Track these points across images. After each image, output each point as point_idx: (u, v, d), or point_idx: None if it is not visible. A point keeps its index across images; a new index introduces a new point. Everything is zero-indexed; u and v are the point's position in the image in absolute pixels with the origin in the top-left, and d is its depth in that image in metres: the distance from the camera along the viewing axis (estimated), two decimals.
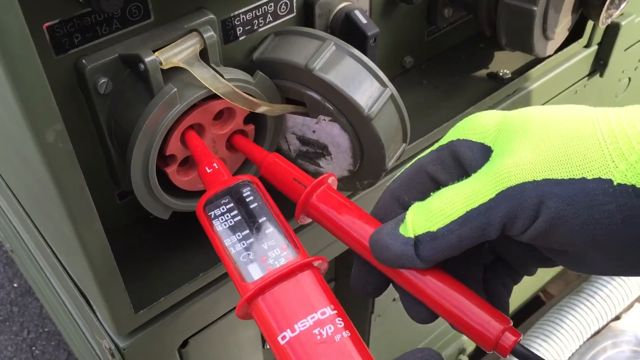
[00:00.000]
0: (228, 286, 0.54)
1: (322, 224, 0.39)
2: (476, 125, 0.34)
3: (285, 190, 0.42)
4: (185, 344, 0.54)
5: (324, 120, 0.48)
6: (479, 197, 0.31)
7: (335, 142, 0.49)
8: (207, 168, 0.42)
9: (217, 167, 0.42)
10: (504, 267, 0.38)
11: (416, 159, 0.37)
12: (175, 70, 0.44)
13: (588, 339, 1.15)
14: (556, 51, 0.68)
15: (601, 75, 0.80)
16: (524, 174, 0.31)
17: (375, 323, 0.80)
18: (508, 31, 0.60)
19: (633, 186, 0.29)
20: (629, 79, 0.88)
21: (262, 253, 0.36)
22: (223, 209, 0.39)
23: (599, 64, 0.79)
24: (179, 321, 0.52)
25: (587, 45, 0.76)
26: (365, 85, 0.46)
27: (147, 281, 0.50)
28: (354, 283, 0.39)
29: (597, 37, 0.76)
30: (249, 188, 0.40)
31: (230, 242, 0.37)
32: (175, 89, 0.42)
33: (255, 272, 0.35)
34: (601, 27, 0.68)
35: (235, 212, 0.38)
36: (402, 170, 0.37)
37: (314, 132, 0.49)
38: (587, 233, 0.30)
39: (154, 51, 0.43)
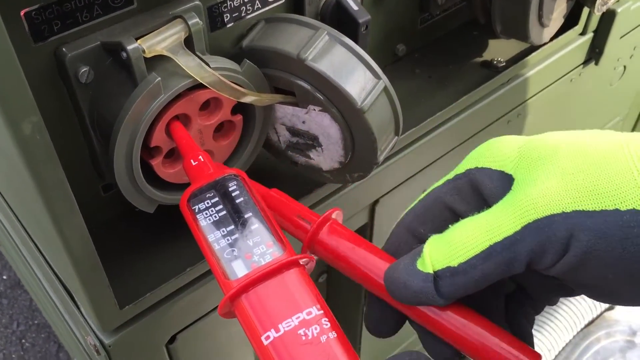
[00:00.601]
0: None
1: (330, 261, 0.37)
2: (494, 152, 0.32)
3: (288, 228, 0.40)
4: (173, 339, 0.53)
5: (314, 110, 0.46)
6: (503, 230, 0.29)
7: (326, 132, 0.47)
8: (192, 161, 0.41)
9: (202, 159, 0.41)
10: (525, 297, 0.35)
11: (431, 188, 0.35)
12: (159, 58, 0.42)
13: (582, 329, 1.14)
14: (551, 39, 0.67)
15: (596, 64, 0.78)
16: (552, 205, 0.29)
17: None
18: (503, 18, 0.59)
19: None
20: (624, 67, 0.87)
21: (247, 249, 0.35)
22: (207, 203, 0.37)
23: (595, 52, 0.77)
24: (166, 316, 0.51)
25: (583, 33, 0.75)
26: (358, 77, 0.44)
27: (133, 276, 0.49)
28: (368, 323, 0.37)
29: (593, 25, 0.75)
30: (235, 182, 0.38)
31: (214, 238, 0.36)
32: (159, 78, 0.41)
33: (239, 269, 0.34)
34: (597, 14, 0.66)
35: (220, 206, 0.37)
36: (415, 201, 0.35)
37: (303, 122, 0.48)
38: (621, 267, 0.28)
39: (137, 39, 0.41)
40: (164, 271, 0.49)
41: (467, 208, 0.33)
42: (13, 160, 0.36)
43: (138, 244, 0.51)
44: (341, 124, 0.46)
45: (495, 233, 0.30)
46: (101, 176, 0.49)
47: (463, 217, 0.33)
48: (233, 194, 0.38)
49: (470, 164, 0.33)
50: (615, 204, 0.28)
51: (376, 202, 0.65)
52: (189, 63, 0.42)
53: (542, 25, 0.60)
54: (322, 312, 0.32)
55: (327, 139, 0.48)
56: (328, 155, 0.50)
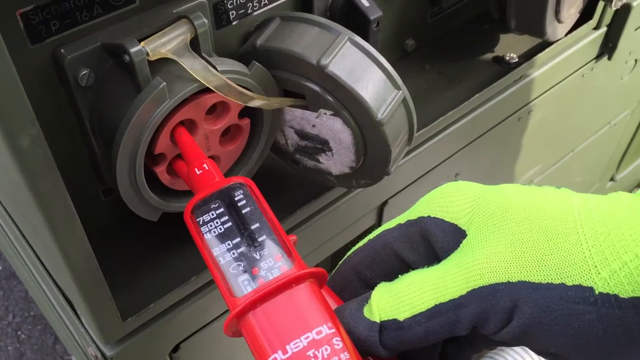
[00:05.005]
0: None
1: None
2: (449, 202, 0.31)
3: None
4: (176, 348, 0.51)
5: (325, 114, 0.44)
6: (449, 292, 0.29)
7: (337, 137, 0.45)
8: (196, 169, 0.39)
9: (207, 168, 0.39)
10: (466, 341, 0.34)
11: (381, 230, 0.34)
12: (164, 61, 0.40)
13: None
14: (565, 34, 0.65)
15: (609, 58, 0.76)
16: (498, 273, 0.28)
17: None
18: (518, 14, 0.57)
19: (616, 296, 0.26)
20: (635, 60, 0.85)
21: (253, 264, 0.33)
22: (212, 214, 0.35)
23: (607, 47, 0.75)
24: (169, 326, 0.49)
25: (597, 27, 0.72)
26: (378, 87, 0.42)
27: (135, 286, 0.47)
28: None
29: (607, 19, 0.72)
30: (241, 191, 0.36)
31: (220, 252, 0.33)
32: (164, 83, 0.38)
33: (245, 285, 0.32)
34: (613, 9, 0.64)
35: (226, 217, 0.35)
36: (364, 241, 0.34)
37: (313, 126, 0.46)
38: (564, 340, 0.27)
39: (140, 40, 0.39)
40: (168, 280, 0.47)
41: (417, 258, 0.32)
42: (11, 172, 0.34)
43: (141, 251, 0.49)
44: (354, 129, 0.44)
45: (441, 293, 0.29)
46: (102, 180, 0.47)
47: (412, 267, 0.32)
48: (239, 204, 0.35)
49: (423, 210, 0.32)
50: (561, 278, 0.27)
51: (385, 203, 0.63)
52: (195, 66, 0.39)
53: (558, 21, 0.58)
54: (333, 330, 0.30)
55: (338, 144, 0.46)
56: (338, 159, 0.48)
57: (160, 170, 0.42)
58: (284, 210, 0.52)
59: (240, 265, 0.33)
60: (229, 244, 0.34)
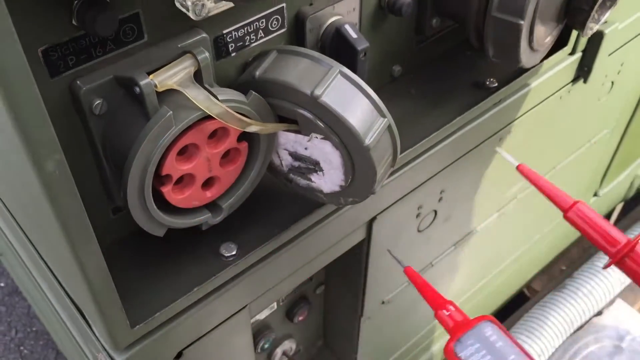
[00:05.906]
0: (223, 297, 0.55)
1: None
2: None
3: (593, 238, 0.46)
4: (179, 354, 0.55)
5: (316, 138, 0.49)
6: None
7: (327, 159, 0.50)
8: (444, 311, 0.45)
9: (453, 309, 0.46)
10: None
11: None
12: (170, 91, 0.44)
13: (571, 335, 1.17)
14: (542, 59, 0.69)
15: (585, 82, 0.81)
16: None
17: (364, 325, 0.81)
18: (495, 44, 0.61)
19: None
20: (612, 82, 0.90)
21: None
22: (471, 349, 0.42)
23: (583, 70, 0.80)
24: (174, 333, 0.53)
25: (572, 53, 0.77)
26: (366, 116, 0.47)
27: (143, 296, 0.51)
28: None
29: (582, 45, 0.77)
30: (490, 328, 0.43)
31: None
32: (171, 112, 0.43)
33: None
34: (584, 37, 0.69)
35: (484, 352, 0.41)
36: None
37: (305, 149, 0.50)
38: None
39: (149, 73, 0.43)
40: (173, 290, 0.51)
41: None
42: (34, 193, 0.38)
43: (147, 263, 0.53)
44: (343, 152, 0.48)
45: None
46: (111, 199, 0.51)
47: None
48: (491, 339, 0.42)
49: None
50: None
51: (373, 219, 0.67)
52: (198, 97, 0.44)
53: (532, 49, 0.62)
54: None
55: (329, 165, 0.50)
56: (329, 179, 0.52)
57: (167, 190, 0.47)
58: (279, 226, 0.56)
59: None
60: None
